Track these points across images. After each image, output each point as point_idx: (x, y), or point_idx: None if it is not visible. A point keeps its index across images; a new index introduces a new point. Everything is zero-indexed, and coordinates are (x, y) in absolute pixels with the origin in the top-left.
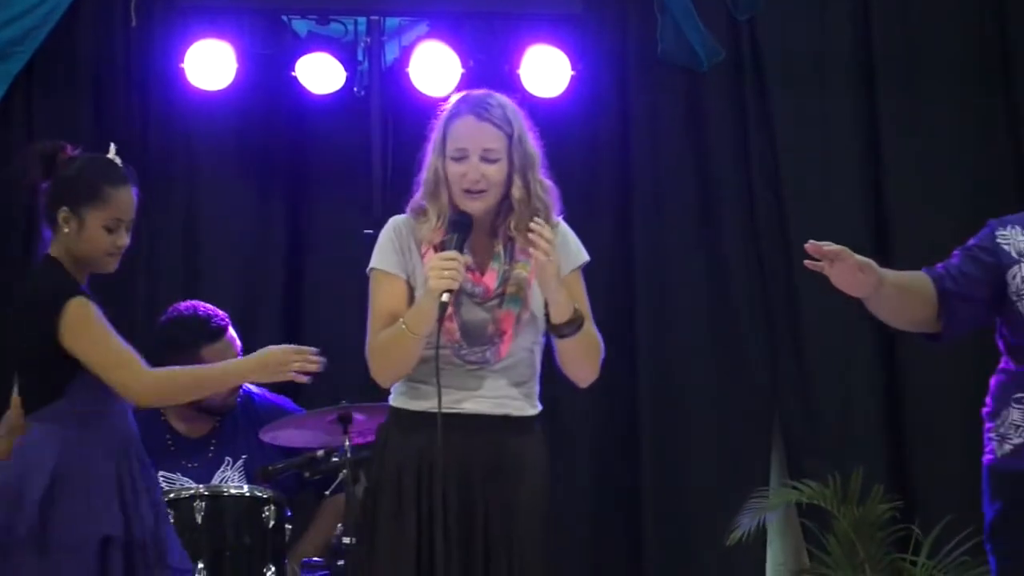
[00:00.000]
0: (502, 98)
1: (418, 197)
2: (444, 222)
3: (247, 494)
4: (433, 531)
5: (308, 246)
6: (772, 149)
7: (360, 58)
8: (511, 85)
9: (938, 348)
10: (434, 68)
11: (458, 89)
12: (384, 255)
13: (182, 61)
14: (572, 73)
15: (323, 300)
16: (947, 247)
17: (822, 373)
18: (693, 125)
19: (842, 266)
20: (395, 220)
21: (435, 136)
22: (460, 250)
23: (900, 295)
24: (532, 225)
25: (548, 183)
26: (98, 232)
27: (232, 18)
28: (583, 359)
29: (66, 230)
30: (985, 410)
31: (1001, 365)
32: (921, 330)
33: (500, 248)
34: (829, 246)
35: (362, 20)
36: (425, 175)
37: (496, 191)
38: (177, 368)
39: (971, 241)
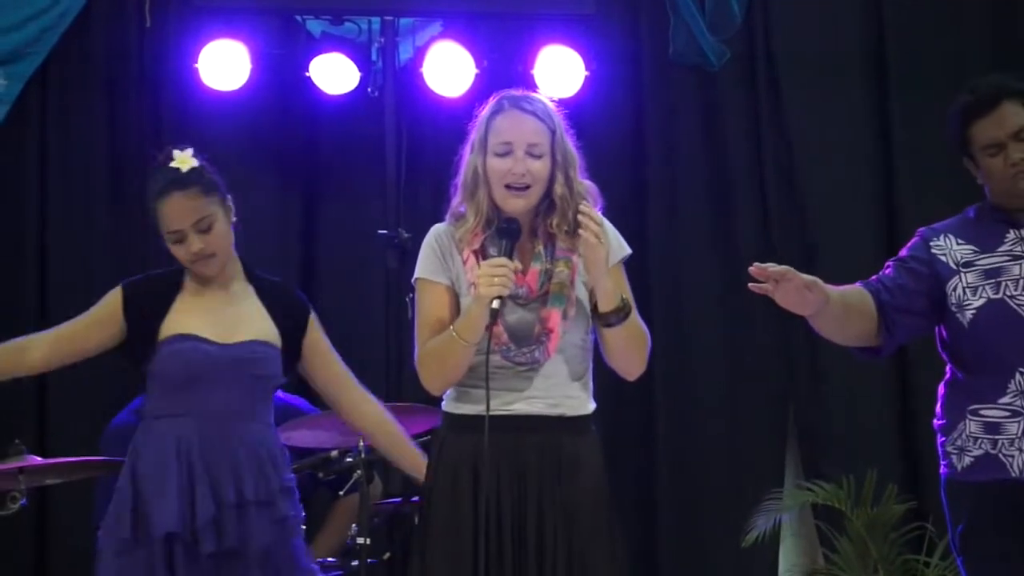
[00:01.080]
0: (543, 96)
1: (456, 202)
2: (483, 221)
3: None
4: (488, 532)
5: (322, 245)
6: (786, 146)
7: (374, 58)
8: (525, 85)
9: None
10: (448, 68)
11: (472, 89)
12: (427, 264)
13: (196, 61)
14: (586, 73)
15: (337, 299)
16: None
17: (836, 374)
18: (707, 123)
19: (788, 286)
20: (436, 228)
21: (475, 135)
22: (509, 256)
23: (844, 311)
24: (582, 207)
25: (589, 183)
26: (170, 245)
27: (246, 18)
28: (631, 350)
29: None
30: (937, 422)
31: (947, 376)
32: (861, 344)
33: (541, 248)
34: (773, 267)
35: (376, 20)
36: (463, 177)
37: (540, 188)
38: None
39: (903, 252)
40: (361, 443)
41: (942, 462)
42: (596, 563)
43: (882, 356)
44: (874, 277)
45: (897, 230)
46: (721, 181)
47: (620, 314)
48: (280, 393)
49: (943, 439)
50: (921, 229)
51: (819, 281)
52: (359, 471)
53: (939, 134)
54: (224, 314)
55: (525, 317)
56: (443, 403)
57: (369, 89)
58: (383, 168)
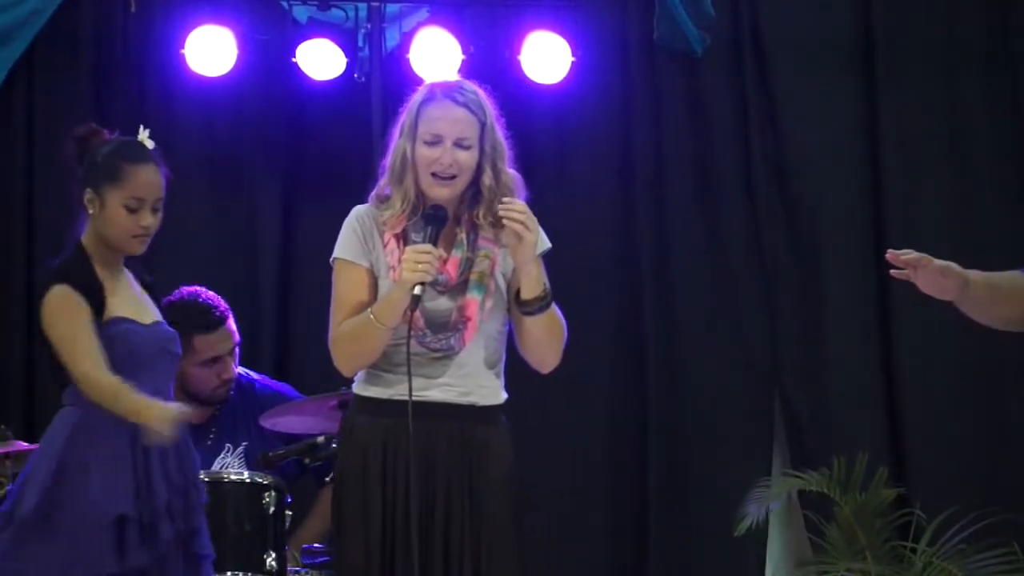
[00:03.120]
0: (474, 86)
1: (382, 184)
2: (408, 208)
3: (247, 480)
4: (396, 520)
5: (306, 232)
6: (773, 132)
7: (360, 44)
8: (512, 71)
9: (940, 336)
10: (435, 54)
11: (459, 76)
12: (347, 244)
13: (182, 47)
14: (573, 59)
15: (319, 286)
16: (947, 230)
17: (824, 360)
18: (694, 110)
19: (924, 272)
20: (357, 210)
21: (404, 120)
22: (434, 243)
23: (990, 296)
24: (503, 202)
25: (514, 173)
26: (118, 212)
27: (232, 4)
28: (549, 340)
29: (91, 212)
30: None
31: None
32: (1015, 329)
33: (463, 236)
34: (906, 255)
35: (363, 6)
36: (391, 160)
37: (466, 177)
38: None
39: None
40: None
41: None
42: (501, 553)
43: None
44: None
45: (885, 218)
46: (708, 168)
47: (542, 302)
48: (267, 380)
49: None
50: None
51: (953, 265)
52: None
53: (929, 120)
54: (134, 297)
55: (443, 304)
56: (354, 385)
57: (356, 75)
58: (369, 154)
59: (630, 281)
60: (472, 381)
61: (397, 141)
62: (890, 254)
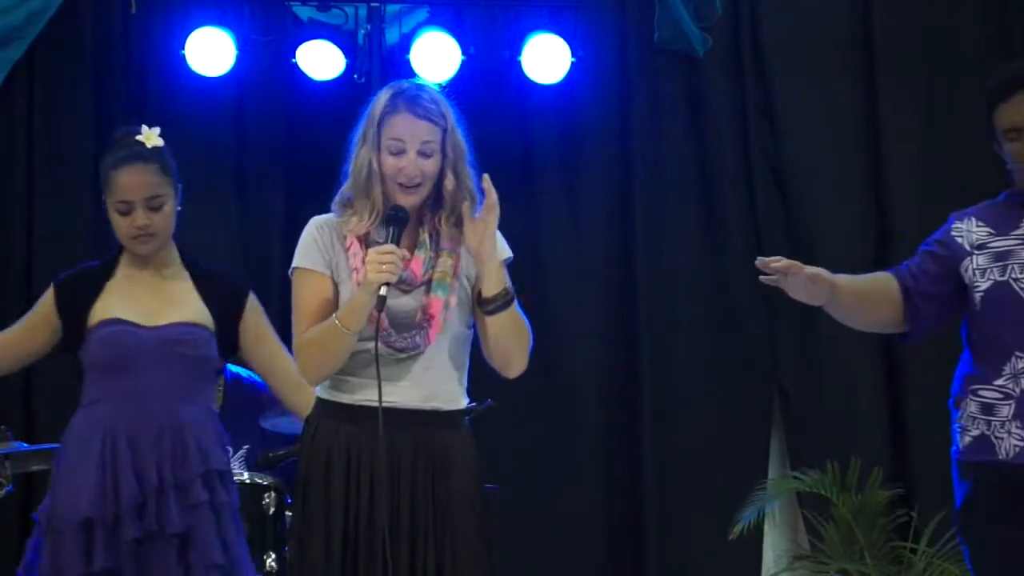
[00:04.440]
0: (434, 90)
1: (345, 189)
2: (378, 217)
3: (247, 481)
4: (359, 526)
5: None
6: (772, 132)
7: (361, 44)
8: (511, 72)
9: (939, 336)
10: (434, 55)
11: (459, 76)
12: (307, 253)
13: (183, 47)
14: (573, 59)
15: None
16: None
17: (822, 361)
18: (693, 109)
19: (794, 279)
20: (316, 219)
21: (366, 128)
22: (397, 244)
23: (858, 299)
24: (485, 178)
25: (472, 171)
26: (114, 217)
27: (233, 4)
28: (512, 341)
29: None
30: (950, 401)
31: (962, 356)
32: (888, 331)
33: (426, 236)
34: (776, 262)
35: (363, 7)
36: (354, 167)
37: (430, 184)
38: None
39: (931, 236)
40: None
41: (952, 439)
42: (466, 566)
43: (910, 341)
44: (904, 263)
45: (886, 218)
46: (707, 168)
47: (503, 300)
48: None
49: (954, 415)
50: (952, 213)
51: (823, 272)
52: None
53: (928, 121)
54: (154, 298)
55: (408, 303)
56: (318, 390)
57: (356, 75)
58: None
59: (628, 281)
60: (435, 383)
61: (360, 149)
62: (760, 261)
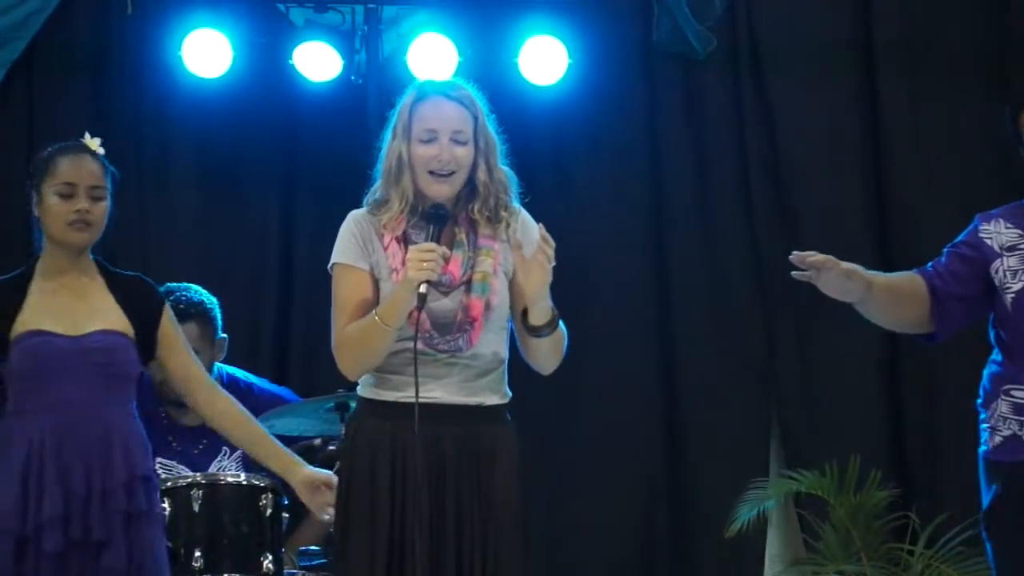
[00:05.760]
0: (463, 82)
1: (378, 189)
2: (407, 208)
3: (244, 482)
4: (405, 522)
5: (303, 234)
6: (770, 135)
7: (357, 46)
8: (509, 73)
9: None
10: (431, 57)
11: (456, 77)
12: (346, 249)
13: (179, 49)
14: (569, 61)
15: (317, 288)
16: (948, 232)
17: (821, 362)
18: (691, 111)
19: (828, 275)
20: (354, 214)
21: (397, 122)
22: (437, 242)
23: (891, 297)
24: (541, 230)
25: (507, 169)
26: (53, 203)
27: (229, 6)
28: (552, 353)
29: (37, 215)
30: (979, 401)
31: (992, 357)
32: (916, 331)
33: (463, 236)
34: (813, 256)
35: (359, 8)
36: (386, 164)
37: (463, 174)
38: None
39: (958, 238)
40: (344, 431)
41: (981, 439)
42: (510, 559)
43: (937, 342)
44: (930, 264)
45: (887, 220)
46: (704, 170)
47: (551, 327)
48: (265, 383)
49: (982, 416)
50: (977, 214)
51: (859, 268)
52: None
53: (927, 121)
54: (75, 308)
55: (446, 305)
56: (359, 388)
57: (352, 77)
58: (366, 156)
59: (627, 282)
60: (479, 381)
61: (391, 144)
62: (795, 256)
